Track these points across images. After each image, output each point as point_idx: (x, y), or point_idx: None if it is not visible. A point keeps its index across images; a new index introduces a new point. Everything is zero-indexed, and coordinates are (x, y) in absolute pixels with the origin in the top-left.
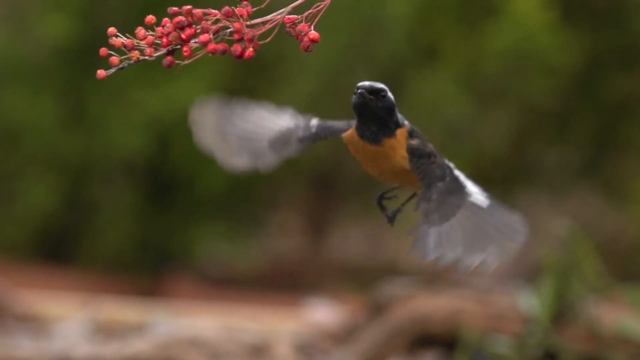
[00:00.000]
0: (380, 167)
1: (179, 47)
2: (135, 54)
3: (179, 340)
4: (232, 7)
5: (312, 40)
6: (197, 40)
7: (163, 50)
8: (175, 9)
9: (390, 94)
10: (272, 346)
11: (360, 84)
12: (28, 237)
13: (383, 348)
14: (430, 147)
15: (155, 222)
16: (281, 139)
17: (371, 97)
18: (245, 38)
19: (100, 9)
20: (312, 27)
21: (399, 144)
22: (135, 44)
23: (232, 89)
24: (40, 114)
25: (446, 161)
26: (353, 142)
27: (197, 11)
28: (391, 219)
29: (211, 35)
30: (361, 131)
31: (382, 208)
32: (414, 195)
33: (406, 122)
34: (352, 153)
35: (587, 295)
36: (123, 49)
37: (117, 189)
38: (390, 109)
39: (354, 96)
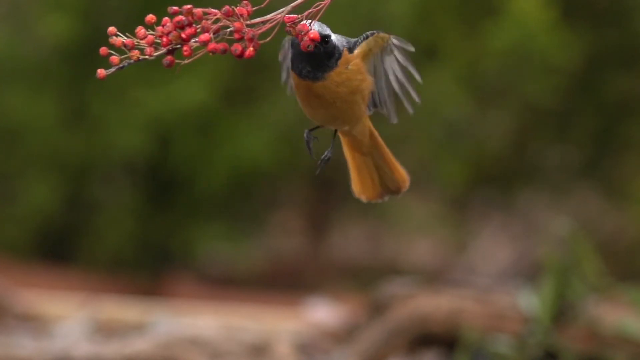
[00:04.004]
0: (334, 98)
1: (179, 46)
2: (136, 54)
3: (179, 339)
4: (232, 7)
5: (312, 40)
6: (197, 39)
7: (163, 50)
8: (176, 8)
9: (333, 39)
10: (272, 346)
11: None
12: (28, 237)
13: (383, 347)
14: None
15: (155, 221)
16: None
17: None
18: (245, 37)
19: (100, 9)
20: (312, 26)
21: (344, 65)
22: (136, 43)
23: (232, 88)
24: (40, 113)
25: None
26: (295, 79)
27: (198, 10)
28: (322, 163)
29: (211, 35)
30: (298, 69)
31: (309, 148)
32: (335, 132)
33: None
34: (295, 88)
35: (588, 295)
36: (123, 48)
37: (117, 189)
38: (330, 54)
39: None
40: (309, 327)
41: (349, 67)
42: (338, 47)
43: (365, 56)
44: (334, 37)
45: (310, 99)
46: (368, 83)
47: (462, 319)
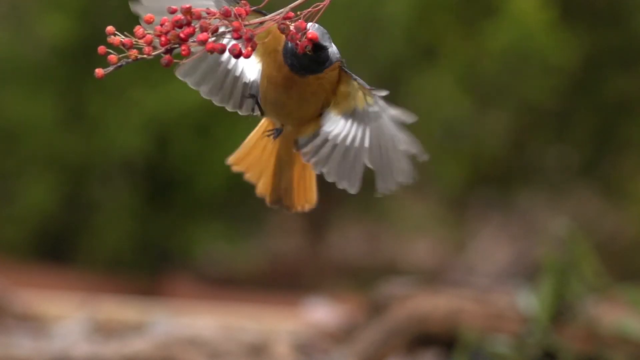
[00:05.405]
0: (294, 90)
1: (177, 45)
2: (134, 53)
3: (178, 339)
4: (231, 7)
5: (310, 40)
6: (195, 39)
7: (161, 49)
8: (174, 7)
9: (329, 51)
10: (271, 346)
11: (316, 30)
12: (27, 237)
13: (382, 347)
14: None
15: (154, 221)
16: None
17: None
18: (243, 37)
19: (99, 9)
20: (309, 27)
21: (327, 72)
22: (134, 42)
23: None
24: (39, 113)
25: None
26: (277, 54)
27: (196, 10)
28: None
29: (210, 34)
30: (285, 56)
31: (252, 109)
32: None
33: (338, 59)
34: (267, 59)
35: (586, 295)
36: (121, 47)
37: (116, 189)
38: (322, 63)
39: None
40: (308, 327)
41: (328, 73)
42: (331, 58)
43: (346, 87)
44: (331, 50)
45: (275, 79)
46: (329, 95)
47: (461, 319)
